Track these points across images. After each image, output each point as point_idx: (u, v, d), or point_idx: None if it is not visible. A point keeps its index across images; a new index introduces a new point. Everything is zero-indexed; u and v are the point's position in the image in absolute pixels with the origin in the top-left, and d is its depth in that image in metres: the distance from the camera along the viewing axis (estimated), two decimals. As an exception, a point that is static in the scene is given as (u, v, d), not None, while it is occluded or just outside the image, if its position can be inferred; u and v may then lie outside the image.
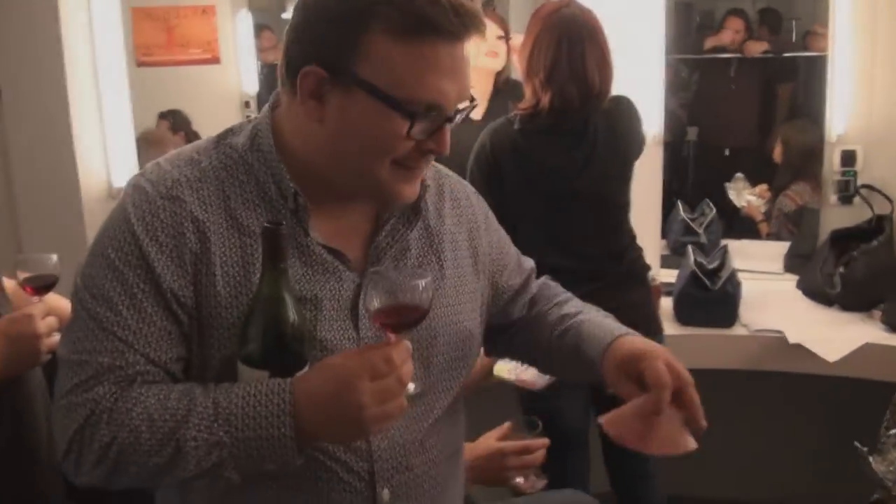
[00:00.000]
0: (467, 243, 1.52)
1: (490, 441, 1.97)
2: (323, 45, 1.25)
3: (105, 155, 3.37)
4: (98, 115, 3.32)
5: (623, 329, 1.48)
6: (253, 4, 4.29)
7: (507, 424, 2.00)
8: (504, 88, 3.63)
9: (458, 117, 1.31)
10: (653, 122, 3.26)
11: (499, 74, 3.61)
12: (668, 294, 3.16)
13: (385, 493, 1.37)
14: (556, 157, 2.61)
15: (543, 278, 1.74)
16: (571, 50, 2.54)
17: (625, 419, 1.34)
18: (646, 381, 1.34)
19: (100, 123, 3.33)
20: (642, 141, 2.77)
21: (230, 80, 4.20)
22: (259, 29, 4.23)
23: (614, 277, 2.66)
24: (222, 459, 1.21)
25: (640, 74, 3.19)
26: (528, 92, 2.65)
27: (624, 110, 2.69)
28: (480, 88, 3.59)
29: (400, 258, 1.43)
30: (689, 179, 5.50)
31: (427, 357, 1.42)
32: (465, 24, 1.23)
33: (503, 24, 3.59)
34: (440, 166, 1.57)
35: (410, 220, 1.44)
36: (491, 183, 2.62)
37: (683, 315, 3.08)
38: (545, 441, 1.97)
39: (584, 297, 2.48)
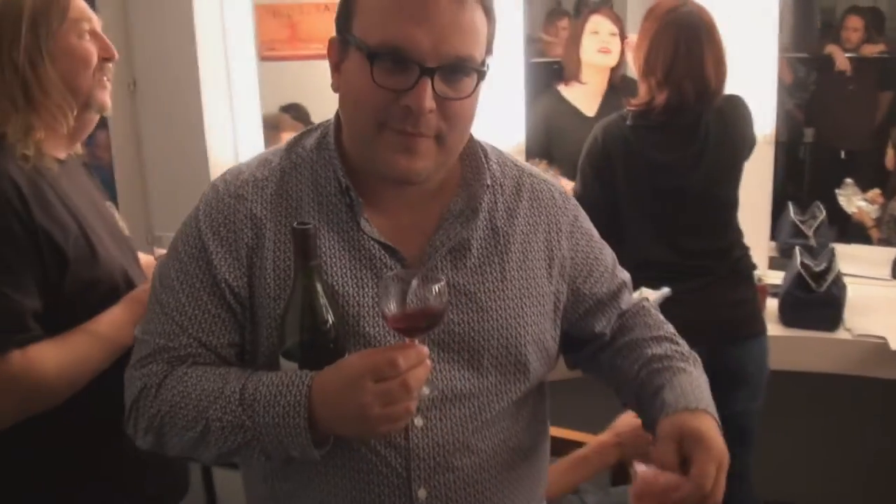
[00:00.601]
0: (544, 245, 1.47)
1: (628, 418, 2.02)
2: (338, 15, 1.33)
3: (235, 144, 3.53)
4: (228, 106, 3.48)
5: (706, 403, 1.39)
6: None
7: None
8: (619, 85, 3.68)
9: (461, 88, 1.28)
10: (765, 121, 3.25)
11: (613, 71, 3.67)
12: (774, 296, 3.15)
13: (421, 493, 1.37)
14: (667, 154, 2.66)
15: (644, 301, 1.67)
16: (689, 49, 2.57)
17: (655, 486, 1.31)
18: (691, 469, 1.29)
19: (230, 114, 3.49)
20: (753, 141, 2.78)
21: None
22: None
23: (720, 274, 2.69)
24: (247, 441, 1.28)
25: (754, 73, 3.18)
26: (642, 89, 2.69)
27: (736, 109, 2.71)
28: (594, 85, 3.68)
29: (459, 258, 1.40)
30: (805, 181, 5.41)
31: (477, 358, 1.40)
32: None
33: (618, 21, 3.64)
34: (527, 166, 1.54)
35: (468, 219, 1.40)
36: (601, 177, 2.68)
37: (787, 316, 3.07)
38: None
39: (690, 293, 2.57)
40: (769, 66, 3.30)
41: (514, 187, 1.48)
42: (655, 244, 2.68)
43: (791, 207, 3.81)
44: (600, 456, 2.02)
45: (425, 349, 1.23)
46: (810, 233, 3.69)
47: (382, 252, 1.37)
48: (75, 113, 1.86)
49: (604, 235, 2.61)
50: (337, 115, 1.42)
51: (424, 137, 1.29)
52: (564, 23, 4.90)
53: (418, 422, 1.36)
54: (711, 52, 2.59)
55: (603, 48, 3.58)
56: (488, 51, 1.33)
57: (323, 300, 1.27)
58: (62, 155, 1.90)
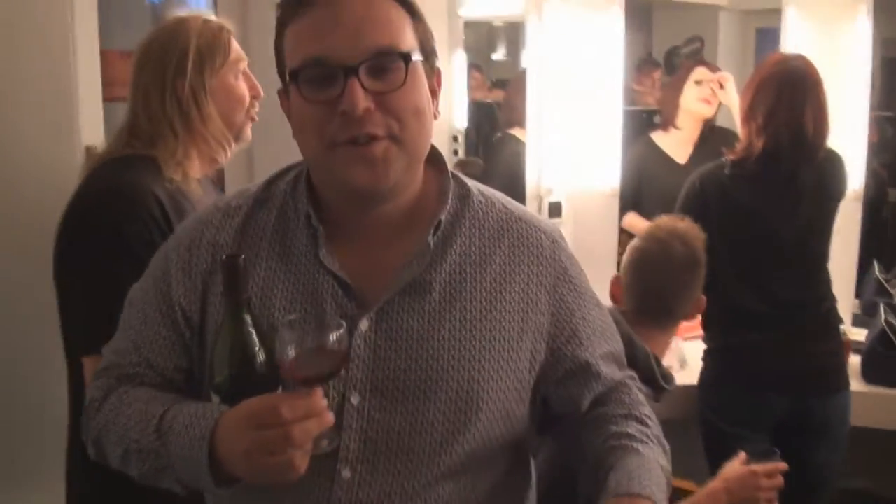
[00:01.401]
0: (519, 296, 1.34)
1: (736, 465, 2.03)
2: (277, 65, 1.34)
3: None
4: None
5: (650, 489, 1.24)
6: (466, 44, 4.50)
7: (741, 455, 2.04)
8: (709, 135, 3.74)
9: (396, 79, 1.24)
10: (854, 178, 3.28)
11: (706, 122, 3.74)
12: (857, 352, 3.13)
13: None
14: (763, 203, 2.70)
15: (628, 377, 1.50)
16: (791, 98, 2.63)
17: None
18: None
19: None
20: (843, 196, 2.83)
21: (441, 115, 4.41)
22: (469, 68, 4.46)
23: (809, 325, 2.72)
24: (161, 467, 1.26)
25: (844, 130, 3.21)
26: (742, 136, 2.75)
27: (834, 164, 2.76)
28: (688, 132, 3.74)
29: (417, 299, 1.30)
30: (888, 240, 5.36)
31: (421, 410, 1.28)
32: None
33: (720, 76, 3.71)
34: (522, 210, 1.44)
35: (434, 259, 1.32)
36: (697, 222, 2.73)
37: (870, 373, 3.05)
38: (785, 465, 2.03)
39: (779, 343, 2.62)
40: (860, 125, 3.36)
41: (496, 230, 1.37)
42: (747, 292, 2.72)
43: (876, 265, 3.81)
44: None
45: (318, 402, 1.16)
46: (894, 291, 3.68)
47: (336, 287, 1.30)
48: (232, 146, 2.01)
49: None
50: None
51: (377, 141, 1.23)
52: (658, 74, 4.98)
53: (345, 474, 1.27)
54: (812, 104, 2.64)
55: (705, 98, 3.65)
56: (423, 50, 1.30)
57: (251, 336, 1.22)
58: (199, 175, 2.03)
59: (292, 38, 1.27)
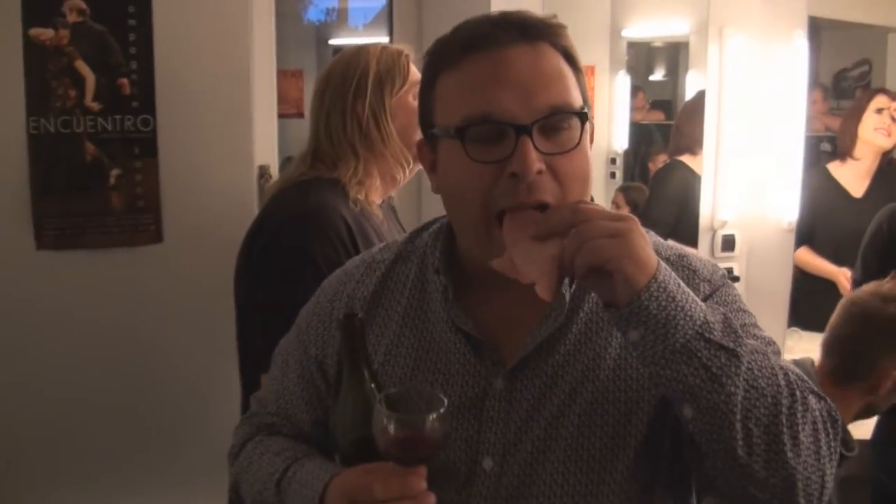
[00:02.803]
0: None
1: None
2: (421, 115, 1.27)
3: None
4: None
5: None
6: (627, 65, 4.42)
7: None
8: (887, 169, 3.58)
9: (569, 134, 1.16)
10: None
11: (885, 154, 3.56)
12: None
13: None
14: None
15: None
16: None
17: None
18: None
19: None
20: None
21: (601, 135, 4.35)
22: (634, 90, 4.37)
23: None
24: None
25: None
26: None
27: None
28: (866, 164, 3.59)
29: (552, 350, 1.21)
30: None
31: (559, 471, 1.18)
32: (501, 26, 1.16)
33: None
34: (676, 253, 1.30)
35: (569, 311, 1.23)
36: (884, 263, 2.58)
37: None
38: None
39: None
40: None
41: None
42: None
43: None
44: None
45: (416, 484, 1.09)
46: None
47: (466, 346, 1.23)
48: (411, 165, 2.01)
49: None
50: None
51: (548, 207, 1.14)
52: (816, 95, 4.78)
53: None
54: None
55: (883, 128, 3.49)
56: (584, 101, 1.20)
57: (366, 398, 1.18)
58: (379, 200, 2.05)
59: (450, 89, 1.20)
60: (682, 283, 1.07)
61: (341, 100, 1.98)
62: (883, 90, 3.65)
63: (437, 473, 1.13)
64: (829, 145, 4.22)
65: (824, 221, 3.56)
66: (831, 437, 1.11)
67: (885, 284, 2.14)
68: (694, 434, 1.07)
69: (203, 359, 2.52)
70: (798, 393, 1.08)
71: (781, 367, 1.10)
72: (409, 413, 1.10)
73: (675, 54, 4.60)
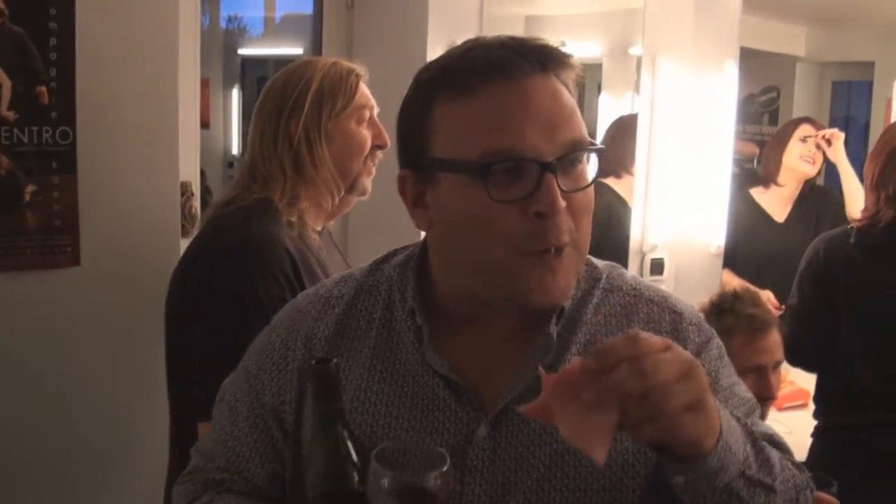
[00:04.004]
0: None
1: None
2: (406, 146, 1.17)
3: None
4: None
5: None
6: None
7: None
8: (809, 195, 3.67)
9: (581, 166, 1.10)
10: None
11: (808, 181, 3.66)
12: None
13: None
14: (891, 276, 2.55)
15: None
16: None
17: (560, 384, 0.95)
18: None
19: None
20: None
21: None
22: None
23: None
24: None
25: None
26: (868, 201, 2.61)
27: None
28: (788, 190, 3.68)
29: (538, 393, 1.09)
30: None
31: None
32: (522, 54, 1.08)
33: (833, 133, 3.65)
34: (657, 294, 1.25)
35: (545, 354, 1.15)
36: (820, 294, 2.61)
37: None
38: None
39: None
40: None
41: (622, 314, 1.21)
42: (868, 369, 2.57)
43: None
44: None
45: None
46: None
47: (446, 391, 1.15)
48: (342, 194, 1.90)
49: (813, 353, 2.46)
50: (425, 241, 1.23)
51: (565, 247, 1.08)
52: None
53: None
54: None
55: (808, 156, 3.58)
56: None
57: (340, 452, 1.06)
58: (319, 227, 1.94)
59: (459, 119, 1.09)
60: (729, 416, 1.02)
61: (276, 115, 1.86)
62: (808, 119, 3.77)
63: None
64: (736, 168, 4.31)
65: (747, 245, 3.62)
66: None
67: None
68: None
69: (123, 394, 2.36)
70: (802, 497, 1.12)
71: (792, 480, 1.12)
72: (409, 472, 1.01)
73: (589, 76, 4.64)
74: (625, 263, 3.26)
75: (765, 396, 2.09)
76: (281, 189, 1.84)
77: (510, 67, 1.06)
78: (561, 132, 1.06)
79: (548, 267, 1.07)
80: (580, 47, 4.20)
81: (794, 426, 2.93)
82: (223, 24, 4.90)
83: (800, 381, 3.14)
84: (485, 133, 1.06)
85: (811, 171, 3.61)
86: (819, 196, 3.67)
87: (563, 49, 1.12)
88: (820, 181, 3.87)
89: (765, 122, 5.09)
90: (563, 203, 1.05)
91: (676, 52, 3.20)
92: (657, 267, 3.29)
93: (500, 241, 1.07)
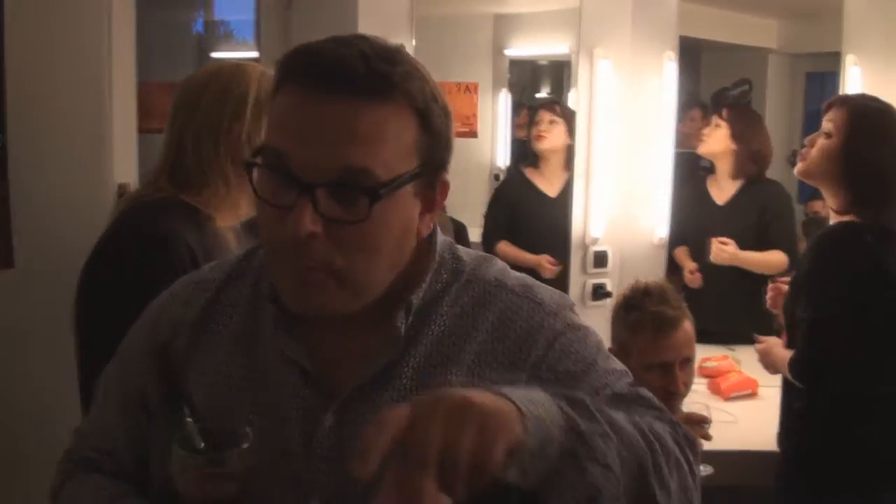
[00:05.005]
0: (501, 374, 1.13)
1: None
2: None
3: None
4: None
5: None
6: (510, 83, 4.47)
7: None
8: (755, 183, 3.72)
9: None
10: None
11: (751, 173, 3.71)
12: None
13: None
14: None
15: None
16: None
17: None
18: None
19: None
20: None
21: (484, 152, 4.38)
22: (518, 107, 4.41)
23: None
24: None
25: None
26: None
27: None
28: (722, 175, 3.75)
29: (387, 385, 1.12)
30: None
31: None
32: (320, 73, 1.01)
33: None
34: (519, 284, 1.20)
35: (407, 343, 1.13)
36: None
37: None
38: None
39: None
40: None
41: (479, 305, 1.17)
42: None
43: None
44: None
45: None
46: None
47: (297, 377, 1.13)
48: None
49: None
50: None
51: (313, 270, 1.03)
52: (696, 113, 4.89)
53: None
54: None
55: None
56: (427, 165, 1.08)
57: (181, 433, 1.06)
58: (236, 222, 1.94)
59: (274, 107, 1.08)
60: (524, 392, 0.95)
61: (217, 120, 1.84)
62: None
63: None
64: (708, 161, 4.34)
65: (692, 227, 3.68)
66: (692, 461, 1.08)
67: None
68: None
69: (58, 395, 2.29)
70: (657, 445, 1.04)
71: (634, 424, 1.04)
72: (201, 452, 1.02)
73: (560, 73, 4.66)
74: (564, 256, 3.33)
75: (671, 392, 2.12)
76: (220, 196, 1.85)
77: (309, 79, 1.02)
78: (336, 155, 1.01)
79: (296, 275, 1.05)
80: (548, 45, 4.26)
81: (741, 415, 2.98)
82: (200, 29, 4.95)
83: (748, 369, 3.16)
84: (276, 124, 1.06)
85: (701, 149, 3.70)
86: (766, 184, 3.71)
87: (409, 70, 1.06)
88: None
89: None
90: (311, 228, 1.01)
91: (615, 46, 3.24)
92: (600, 259, 3.33)
93: (266, 238, 1.09)
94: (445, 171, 1.12)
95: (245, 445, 1.02)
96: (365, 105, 1.01)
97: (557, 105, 3.80)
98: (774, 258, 3.49)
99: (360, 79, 1.01)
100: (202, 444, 1.04)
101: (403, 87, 1.03)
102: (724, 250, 3.49)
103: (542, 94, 4.86)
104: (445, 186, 1.12)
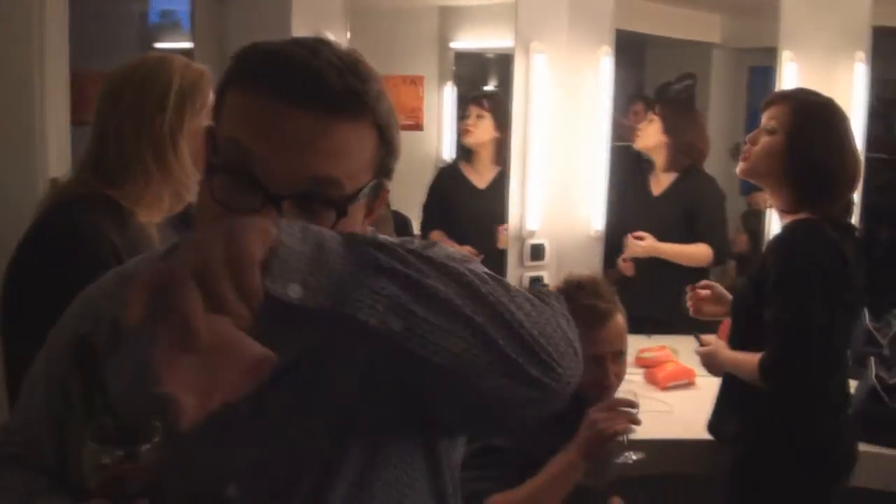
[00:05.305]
0: None
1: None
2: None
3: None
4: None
5: None
6: (457, 76, 4.48)
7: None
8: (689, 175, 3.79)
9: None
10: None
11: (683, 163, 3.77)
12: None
13: None
14: None
15: None
16: None
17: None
18: None
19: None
20: None
21: (430, 145, 4.40)
22: (465, 100, 4.42)
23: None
24: None
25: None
26: None
27: None
28: (658, 167, 3.79)
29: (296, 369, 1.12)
30: (879, 286, 5.27)
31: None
32: (295, 85, 1.01)
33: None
34: None
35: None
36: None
37: (858, 429, 2.94)
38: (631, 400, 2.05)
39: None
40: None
41: None
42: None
43: (866, 313, 3.72)
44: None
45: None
46: (885, 342, 3.59)
47: None
48: (192, 194, 1.90)
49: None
50: None
51: None
52: (639, 107, 4.94)
53: None
54: None
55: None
56: (378, 174, 1.10)
57: (103, 426, 1.05)
58: (159, 218, 1.94)
59: (234, 105, 1.06)
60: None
61: (139, 111, 1.84)
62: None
63: None
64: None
65: (630, 218, 3.74)
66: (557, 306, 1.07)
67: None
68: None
69: None
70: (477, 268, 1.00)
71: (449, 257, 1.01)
72: (116, 446, 1.00)
73: (507, 66, 4.68)
74: (492, 247, 3.37)
75: (604, 385, 2.14)
76: (140, 189, 1.84)
77: (282, 88, 1.01)
78: (305, 167, 1.01)
79: None
80: (493, 38, 4.27)
81: (678, 405, 3.02)
82: (154, 18, 4.91)
83: (685, 360, 3.20)
84: (236, 125, 1.04)
85: (636, 143, 3.76)
86: (699, 177, 3.77)
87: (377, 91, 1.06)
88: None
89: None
90: None
91: (551, 40, 3.27)
92: (537, 252, 3.36)
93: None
94: (390, 180, 1.13)
95: (156, 439, 1.02)
96: (338, 121, 1.02)
97: (485, 99, 3.82)
98: (698, 251, 3.56)
99: (336, 96, 1.01)
100: (117, 439, 1.03)
101: (374, 106, 1.05)
102: (637, 244, 3.55)
103: (490, 87, 4.88)
104: (387, 192, 1.14)
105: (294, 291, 0.86)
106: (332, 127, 1.02)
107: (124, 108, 1.86)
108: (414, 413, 1.12)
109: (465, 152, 3.88)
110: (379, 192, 1.13)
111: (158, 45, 4.71)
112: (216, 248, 0.82)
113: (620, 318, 2.23)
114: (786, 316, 2.25)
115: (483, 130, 3.72)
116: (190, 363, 0.80)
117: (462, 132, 3.81)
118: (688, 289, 2.64)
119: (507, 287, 0.98)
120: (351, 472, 1.11)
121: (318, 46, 1.05)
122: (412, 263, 0.92)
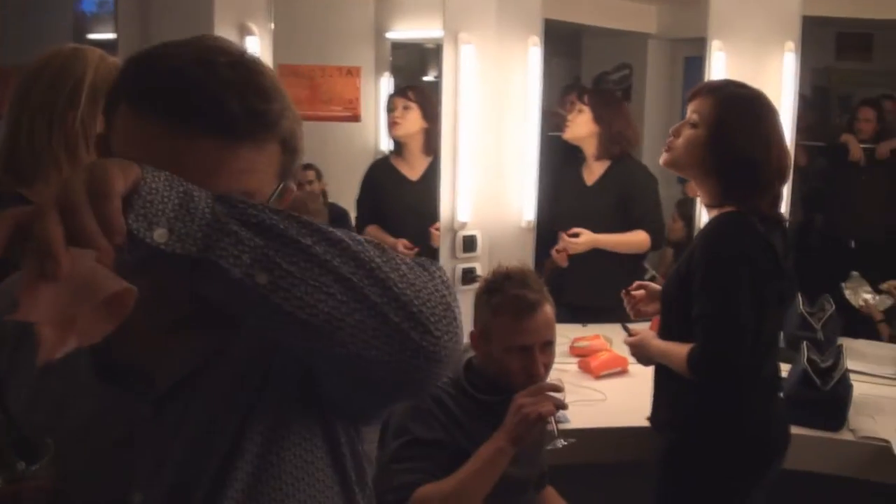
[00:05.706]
0: None
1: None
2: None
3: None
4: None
5: None
6: (395, 66, 4.47)
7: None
8: (620, 164, 3.82)
9: None
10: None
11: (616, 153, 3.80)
12: (778, 389, 3.09)
13: None
14: None
15: None
16: None
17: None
18: None
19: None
20: None
21: (368, 136, 4.38)
22: (404, 91, 4.40)
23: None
24: None
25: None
26: None
27: None
28: (588, 157, 3.82)
29: (203, 374, 1.10)
30: (813, 271, 5.36)
31: None
32: (192, 112, 0.98)
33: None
34: None
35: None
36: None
37: (790, 413, 2.99)
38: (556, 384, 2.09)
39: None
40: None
41: None
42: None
43: (800, 298, 3.77)
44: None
45: None
46: (818, 326, 3.64)
47: (113, 374, 1.10)
48: None
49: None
50: None
51: None
52: (575, 97, 4.96)
53: None
54: None
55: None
56: (282, 179, 1.08)
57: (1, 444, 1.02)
58: None
59: (129, 127, 1.01)
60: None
61: (50, 105, 1.79)
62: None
63: None
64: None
65: (564, 209, 3.78)
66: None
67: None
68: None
69: None
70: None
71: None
72: (16, 463, 0.98)
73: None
74: (425, 239, 3.37)
75: (533, 374, 2.15)
76: (51, 187, 1.69)
77: (178, 115, 0.98)
78: (212, 188, 0.94)
79: None
80: (430, 28, 4.24)
81: (611, 393, 3.04)
82: (89, 8, 4.82)
83: (618, 348, 3.19)
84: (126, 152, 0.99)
85: (566, 133, 3.78)
86: (629, 165, 3.79)
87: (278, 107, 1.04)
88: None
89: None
90: None
91: (479, 31, 3.26)
92: (469, 243, 3.37)
93: None
94: (294, 181, 1.12)
95: (50, 455, 0.99)
96: (242, 146, 1.00)
97: (410, 90, 3.81)
98: (636, 238, 3.60)
99: (238, 123, 0.99)
100: (10, 458, 1.00)
101: (277, 123, 1.03)
102: (575, 242, 3.57)
103: (429, 77, 4.87)
104: (291, 193, 1.12)
105: (160, 235, 0.85)
106: (236, 153, 1.00)
107: (35, 102, 1.81)
108: (309, 391, 1.10)
109: (396, 145, 3.87)
110: (284, 195, 1.11)
111: (92, 35, 4.65)
112: (78, 181, 0.82)
113: (549, 309, 2.23)
114: (712, 311, 2.25)
115: (411, 122, 3.70)
116: (50, 292, 0.79)
117: (390, 125, 3.79)
118: (622, 294, 2.64)
119: (383, 249, 0.96)
120: (250, 456, 1.08)
121: (213, 59, 1.01)
122: (283, 219, 0.91)
